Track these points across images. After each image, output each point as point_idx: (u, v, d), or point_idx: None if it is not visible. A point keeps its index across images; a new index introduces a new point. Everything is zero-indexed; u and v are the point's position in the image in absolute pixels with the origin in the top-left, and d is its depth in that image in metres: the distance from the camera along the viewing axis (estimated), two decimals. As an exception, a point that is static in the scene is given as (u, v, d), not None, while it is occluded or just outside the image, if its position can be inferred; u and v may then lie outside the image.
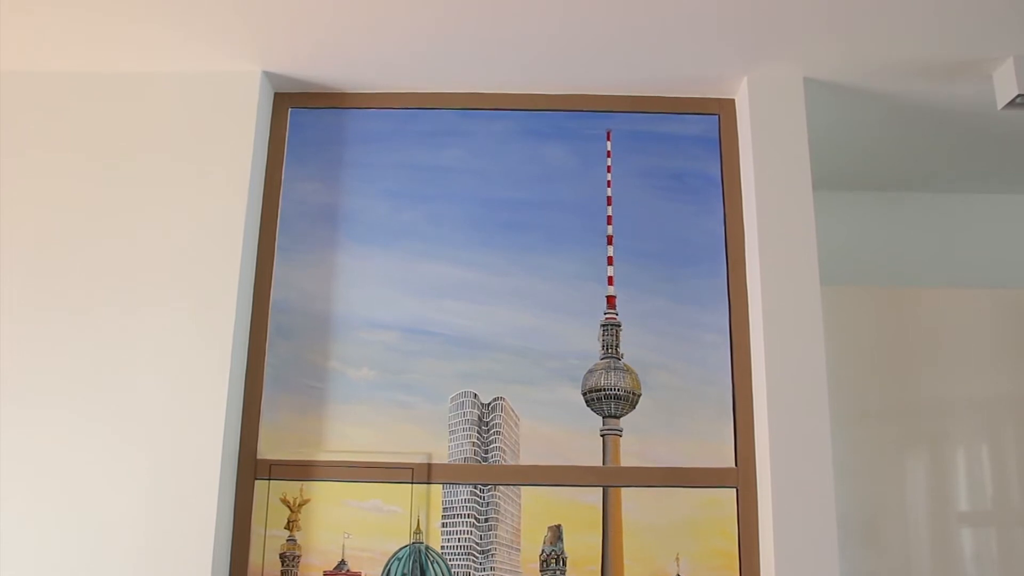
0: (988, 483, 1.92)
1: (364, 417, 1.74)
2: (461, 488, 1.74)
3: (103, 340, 1.70)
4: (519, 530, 1.72)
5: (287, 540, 1.71)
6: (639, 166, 1.87)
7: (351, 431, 1.74)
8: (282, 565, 1.70)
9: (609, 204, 1.86)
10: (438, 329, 1.78)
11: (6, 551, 1.61)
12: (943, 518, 1.90)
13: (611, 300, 1.80)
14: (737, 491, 1.73)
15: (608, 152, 1.88)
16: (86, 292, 1.72)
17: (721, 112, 1.90)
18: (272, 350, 1.78)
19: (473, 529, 1.73)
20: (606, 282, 1.81)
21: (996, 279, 1.96)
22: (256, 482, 1.72)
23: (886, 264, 1.97)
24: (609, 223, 1.85)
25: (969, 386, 1.93)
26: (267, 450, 1.74)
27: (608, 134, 1.89)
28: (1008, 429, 1.94)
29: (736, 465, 1.74)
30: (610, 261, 1.82)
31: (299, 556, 1.70)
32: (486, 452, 1.75)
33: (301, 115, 1.90)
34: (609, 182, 1.87)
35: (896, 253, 1.97)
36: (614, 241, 1.83)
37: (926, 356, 1.91)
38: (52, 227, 1.75)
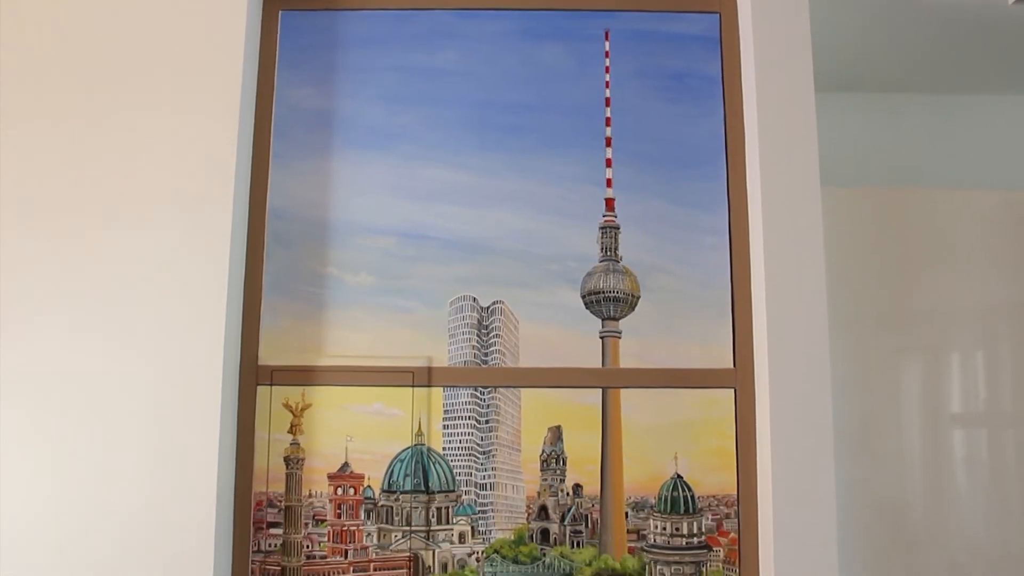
0: (981, 388, 1.93)
1: (364, 322, 1.75)
2: (461, 391, 1.75)
3: (100, 253, 1.69)
4: (519, 431, 1.74)
5: (290, 444, 1.73)
6: (638, 67, 1.83)
7: (351, 336, 1.75)
8: (287, 468, 1.72)
9: (608, 106, 1.83)
10: (436, 234, 1.77)
11: (10, 468, 1.62)
12: (936, 423, 1.91)
13: (610, 202, 1.79)
14: (735, 391, 1.74)
15: (607, 52, 1.85)
16: (82, 204, 1.70)
17: (722, 10, 1.86)
18: (270, 257, 1.77)
19: (474, 431, 1.74)
20: (605, 184, 1.80)
21: (999, 180, 1.94)
22: (258, 388, 1.74)
23: (888, 166, 1.94)
24: (608, 125, 1.82)
25: (967, 293, 1.92)
26: (268, 356, 1.75)
27: (606, 34, 1.85)
28: (1004, 335, 1.94)
29: (734, 366, 1.75)
30: (608, 163, 1.80)
31: (303, 459, 1.72)
32: (486, 355, 1.76)
33: (292, 18, 1.85)
34: (608, 83, 1.84)
35: (898, 154, 1.94)
36: (613, 143, 1.81)
37: (925, 260, 1.90)
38: (43, 145, 1.73)
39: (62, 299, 1.67)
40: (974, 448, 1.94)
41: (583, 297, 1.76)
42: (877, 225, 1.90)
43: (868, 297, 1.88)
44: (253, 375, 1.74)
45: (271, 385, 1.73)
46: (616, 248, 1.77)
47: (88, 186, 1.71)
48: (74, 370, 1.65)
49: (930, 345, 1.93)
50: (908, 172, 1.96)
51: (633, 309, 1.76)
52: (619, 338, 1.75)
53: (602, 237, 1.78)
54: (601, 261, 1.77)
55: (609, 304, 1.75)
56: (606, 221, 1.79)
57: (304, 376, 1.74)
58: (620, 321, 1.75)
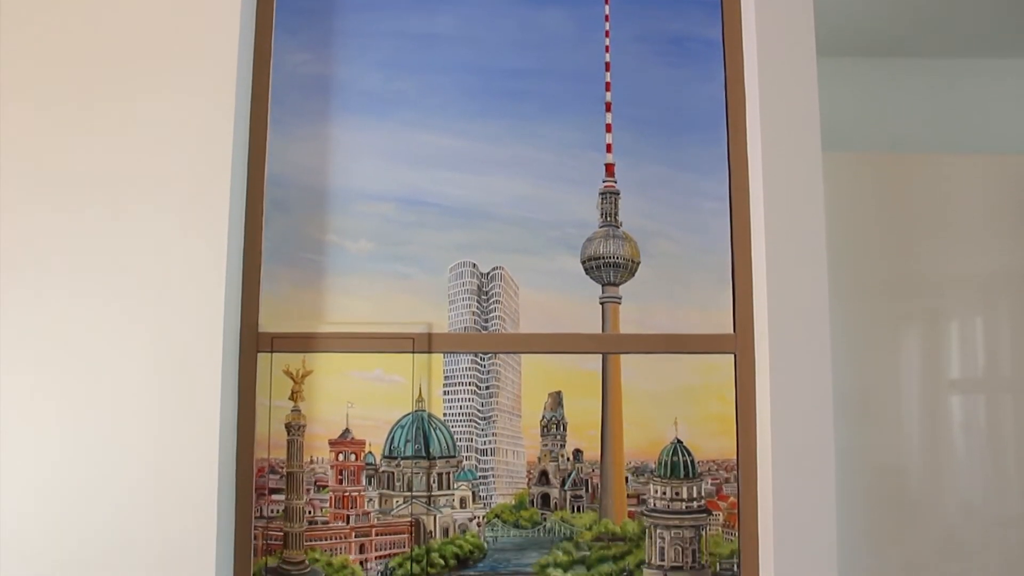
0: (980, 355, 1.93)
1: (363, 289, 1.74)
2: (462, 357, 1.75)
3: (99, 223, 1.68)
4: (519, 397, 1.74)
5: (292, 410, 1.73)
6: (638, 31, 1.82)
7: (351, 303, 1.74)
8: (288, 434, 1.72)
9: (607, 70, 1.81)
10: (435, 200, 1.76)
11: (10, 435, 1.63)
12: (935, 390, 1.92)
13: (609, 168, 1.78)
14: (735, 357, 1.74)
15: (606, 16, 1.83)
16: (79, 175, 1.69)
17: (723, -27, 1.84)
18: (269, 224, 1.76)
19: (474, 396, 1.75)
20: (604, 150, 1.79)
21: (1002, 144, 1.93)
22: (258, 355, 1.74)
23: (890, 130, 1.93)
24: (607, 90, 1.81)
25: (968, 259, 1.92)
26: (268, 324, 1.74)
27: (606, -3, 1.83)
28: (1004, 302, 1.94)
29: (734, 331, 1.75)
30: (608, 129, 1.79)
31: (304, 426, 1.73)
32: (486, 321, 1.76)
33: (288, -19, 1.83)
34: (607, 48, 1.82)
35: (900, 119, 1.93)
36: (612, 108, 1.80)
37: (926, 225, 1.90)
38: (41, 114, 1.71)
39: (61, 268, 1.67)
40: (972, 414, 1.95)
41: (583, 263, 1.76)
42: (878, 191, 1.90)
43: (868, 263, 1.88)
44: (253, 342, 1.74)
45: (271, 352, 1.73)
46: (616, 214, 1.77)
47: (85, 155, 1.70)
48: (74, 339, 1.65)
49: (930, 311, 1.93)
50: (910, 137, 1.95)
51: (633, 275, 1.76)
52: (619, 304, 1.75)
53: (602, 203, 1.78)
54: (601, 227, 1.77)
55: (609, 270, 1.75)
56: (606, 186, 1.78)
57: (304, 343, 1.74)
58: (620, 287, 1.75)
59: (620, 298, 1.76)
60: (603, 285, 1.76)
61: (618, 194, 1.78)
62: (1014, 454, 1.93)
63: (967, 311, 1.95)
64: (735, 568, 1.73)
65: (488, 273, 1.77)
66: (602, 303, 1.76)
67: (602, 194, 1.78)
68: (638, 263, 1.76)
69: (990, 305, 1.96)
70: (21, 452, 1.63)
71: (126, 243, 1.67)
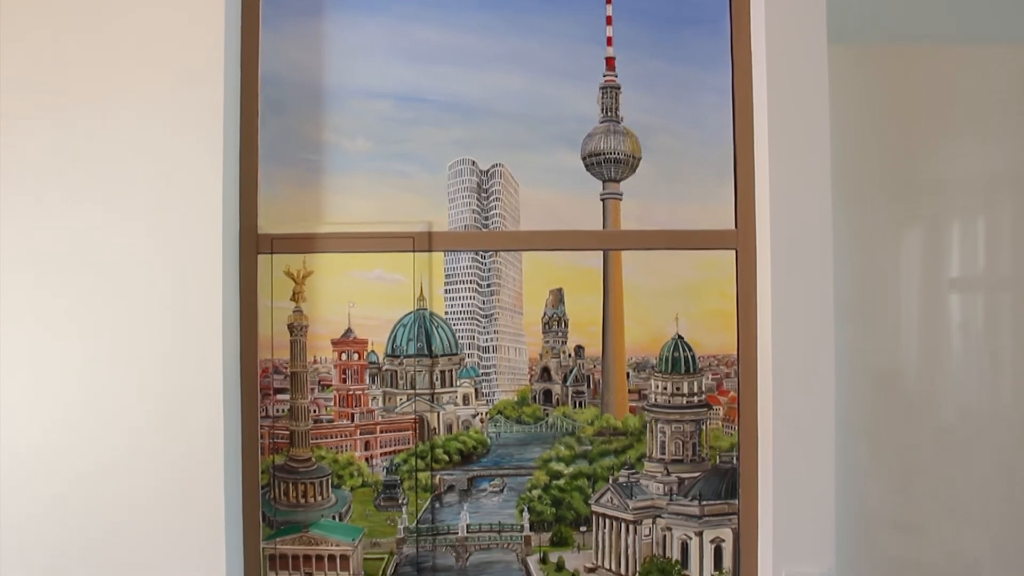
0: (981, 255, 1.93)
1: (362, 188, 1.73)
2: (462, 255, 1.75)
3: (96, 129, 1.65)
4: (521, 294, 1.74)
5: (293, 311, 1.73)
6: (639, -81, 1.76)
7: (350, 202, 1.73)
8: (291, 335, 1.73)
9: (607, -40, 1.76)
10: (433, 96, 1.73)
11: (14, 341, 1.63)
12: (934, 290, 1.92)
13: (610, 62, 1.75)
14: (736, 253, 1.74)
15: (606, -97, 1.77)
16: (75, 82, 1.65)
17: None
18: (264, 125, 1.74)
19: (475, 295, 1.75)
20: (605, 43, 1.75)
21: (1012, 33, 1.88)
22: (259, 256, 1.73)
23: (897, 21, 1.88)
24: (608, -20, 1.76)
25: (972, 158, 1.90)
26: (267, 225, 1.73)
27: None
28: (1007, 201, 1.92)
29: (736, 227, 1.74)
30: (609, 21, 1.75)
31: (306, 326, 1.73)
32: (486, 219, 1.75)
33: None
34: (607, -64, 1.77)
35: (908, 8, 1.88)
36: (613, 0, 1.75)
37: (932, 123, 1.87)
38: (37, 29, 1.66)
39: (60, 176, 1.64)
40: (970, 314, 1.96)
41: (584, 159, 1.74)
42: (885, 85, 1.86)
43: (871, 162, 1.86)
44: (253, 244, 1.73)
45: (271, 253, 1.73)
46: (617, 109, 1.74)
47: (79, 62, 1.65)
48: (74, 244, 1.64)
49: (932, 211, 1.92)
50: (919, 27, 1.90)
51: (634, 171, 1.74)
52: (620, 200, 1.74)
53: (603, 97, 1.75)
54: (602, 122, 1.75)
55: (610, 166, 1.74)
56: (607, 81, 1.75)
57: (304, 244, 1.73)
58: (621, 183, 1.74)
59: (621, 194, 1.74)
60: (604, 181, 1.74)
61: (619, 88, 1.75)
62: (1010, 353, 1.95)
63: (970, 211, 1.93)
64: (734, 461, 1.75)
65: (488, 170, 1.75)
66: (603, 199, 1.74)
67: (603, 88, 1.75)
68: (639, 159, 1.75)
69: (993, 204, 1.94)
70: (30, 362, 1.64)
71: (122, 151, 1.64)
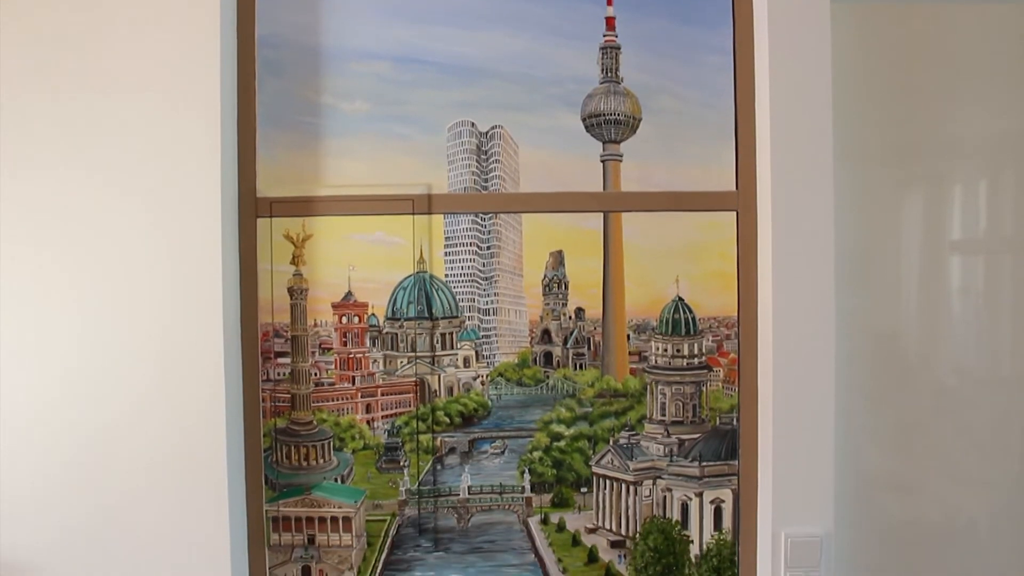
0: (983, 217, 1.92)
1: (361, 151, 1.72)
2: (462, 217, 1.74)
3: (92, 96, 1.63)
4: (521, 257, 1.74)
5: (293, 275, 1.73)
6: None
7: (349, 165, 1.72)
8: (291, 299, 1.73)
9: (608, -83, 1.74)
10: (431, 57, 1.72)
11: (15, 308, 1.63)
12: (935, 254, 1.91)
13: (610, 22, 1.73)
14: (737, 214, 1.73)
15: None
16: (70, 49, 1.63)
17: None
18: (262, 87, 1.72)
19: (475, 257, 1.74)
20: (605, 3, 1.73)
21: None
22: (258, 220, 1.72)
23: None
24: (608, -62, 1.74)
25: (975, 120, 1.89)
26: (266, 188, 1.73)
27: None
28: (1010, 162, 1.91)
29: (737, 189, 1.73)
30: (609, -20, 1.73)
31: (306, 289, 1.73)
32: (486, 181, 1.74)
33: None
34: None
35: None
36: (613, -42, 1.74)
37: (935, 83, 1.86)
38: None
39: (58, 143, 1.63)
40: (970, 276, 1.95)
41: (583, 120, 1.73)
42: (887, 45, 1.85)
43: (873, 123, 1.85)
44: (252, 208, 1.73)
45: (271, 217, 1.72)
46: (617, 69, 1.73)
47: (75, 29, 1.63)
48: (73, 212, 1.63)
49: (935, 172, 1.91)
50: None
51: (634, 132, 1.73)
52: (620, 161, 1.73)
53: (603, 58, 1.73)
54: (602, 83, 1.73)
55: (610, 127, 1.72)
56: (607, 41, 1.73)
57: (303, 207, 1.72)
58: (621, 144, 1.73)
59: (621, 156, 1.73)
60: (604, 143, 1.73)
61: (619, 49, 1.74)
62: (1010, 315, 1.95)
63: (972, 173, 1.92)
64: (734, 422, 1.76)
65: (487, 132, 1.74)
66: (603, 161, 1.73)
67: (603, 49, 1.74)
68: (639, 120, 1.74)
69: (995, 166, 1.93)
70: (33, 332, 1.64)
71: (119, 116, 1.63)
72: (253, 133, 1.72)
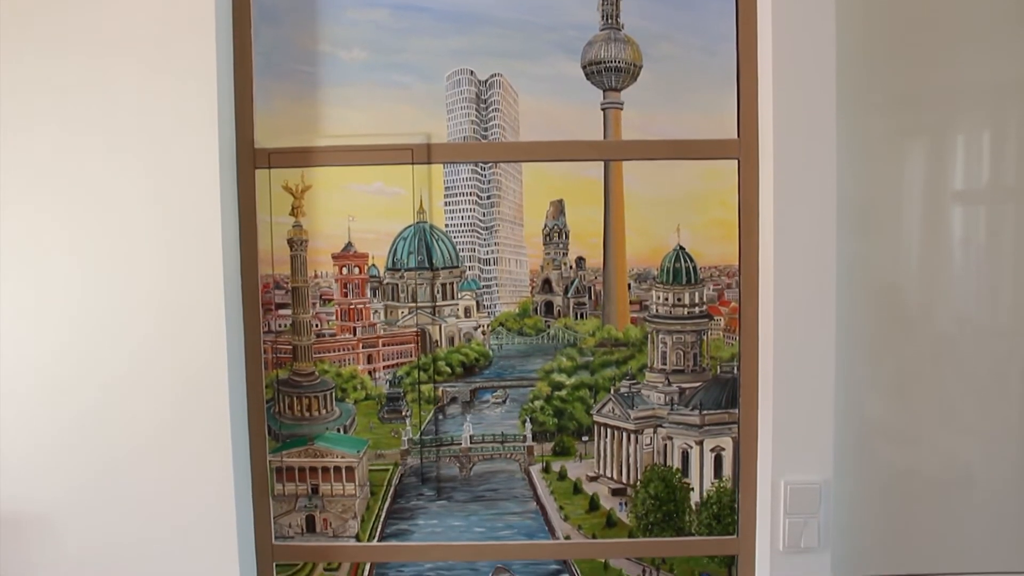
0: (985, 167, 1.91)
1: (359, 100, 1.70)
2: (462, 167, 1.73)
3: (82, 44, 1.61)
4: (521, 206, 1.73)
5: (293, 226, 1.72)
6: None
7: (347, 115, 1.71)
8: (291, 250, 1.72)
9: None
10: (429, 4, 1.69)
11: (10, 271, 1.63)
12: (937, 203, 1.90)
13: (610, -34, 1.70)
14: (739, 162, 1.72)
15: None
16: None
17: None
18: (258, 36, 1.70)
19: (476, 207, 1.74)
20: (605, -53, 1.71)
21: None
22: (256, 171, 1.71)
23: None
24: None
25: (979, 68, 1.86)
26: (264, 139, 1.71)
27: None
28: (1014, 112, 1.89)
29: (738, 137, 1.72)
30: (609, -77, 1.71)
31: (306, 241, 1.73)
32: (485, 130, 1.73)
33: None
34: None
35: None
36: (613, -100, 1.71)
37: (939, 32, 1.83)
38: None
39: (54, 97, 1.62)
40: (972, 227, 1.95)
41: (584, 67, 1.71)
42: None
43: (876, 70, 1.83)
44: (250, 159, 1.72)
45: (269, 168, 1.71)
46: (617, 15, 1.71)
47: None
48: (71, 165, 1.62)
49: (938, 123, 1.89)
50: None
51: (635, 79, 1.71)
52: (621, 109, 1.72)
53: (603, 4, 1.71)
54: (602, 29, 1.71)
55: (610, 74, 1.71)
56: (607, -14, 1.71)
57: (302, 158, 1.71)
58: (622, 92, 1.71)
59: (622, 103, 1.72)
60: (604, 90, 1.71)
61: (619, -6, 1.71)
62: (1011, 266, 1.94)
63: (975, 122, 1.91)
64: (735, 371, 1.77)
65: (486, 80, 1.72)
66: (603, 109, 1.72)
67: (603, -6, 1.72)
68: (640, 67, 1.72)
69: (999, 115, 1.91)
70: (33, 286, 1.64)
71: (113, 68, 1.61)
72: (250, 83, 1.71)
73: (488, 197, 1.73)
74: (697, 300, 1.75)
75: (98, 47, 1.61)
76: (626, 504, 1.77)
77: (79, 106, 1.61)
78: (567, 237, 1.73)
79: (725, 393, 1.76)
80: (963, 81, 1.87)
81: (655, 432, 1.77)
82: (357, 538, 1.77)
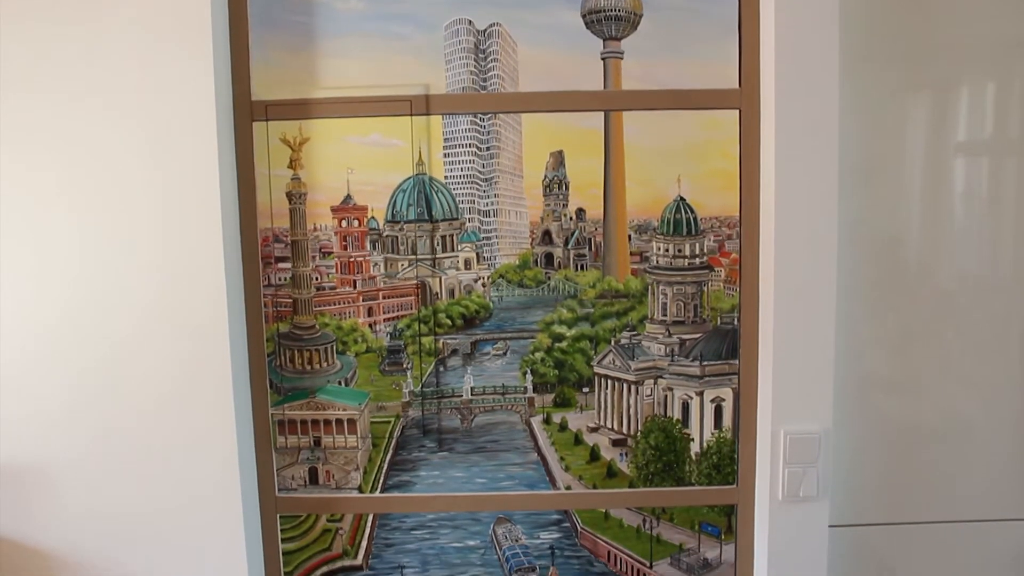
0: (988, 122, 1.90)
1: (357, 51, 1.69)
2: (461, 118, 1.72)
3: (75, 5, 1.59)
4: (521, 157, 1.72)
5: (291, 179, 1.72)
6: None
7: (345, 66, 1.69)
8: (289, 203, 1.72)
9: None
10: (427, -49, 1.67)
11: (9, 235, 1.63)
12: (939, 157, 1.89)
13: (610, -89, 1.68)
14: (740, 112, 1.71)
15: None
16: None
17: None
18: (253, -14, 1.68)
19: (475, 158, 1.73)
20: None
21: None
22: (254, 124, 1.70)
23: None
24: None
25: (984, 21, 1.84)
26: (261, 91, 1.70)
27: None
28: (1017, 66, 1.88)
29: (740, 86, 1.70)
30: None
31: (305, 193, 1.72)
32: (484, 80, 1.71)
33: None
34: None
35: None
36: None
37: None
38: None
39: (47, 53, 1.60)
40: (973, 182, 1.94)
41: (583, 16, 1.69)
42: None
43: (879, 22, 1.81)
44: (247, 111, 1.70)
45: (267, 120, 1.70)
46: (617, -38, 1.69)
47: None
48: (65, 122, 1.61)
49: (941, 74, 1.87)
50: None
51: (635, 28, 1.70)
52: (621, 59, 1.70)
53: (603, -50, 1.69)
54: (602, -23, 1.69)
55: (610, 23, 1.69)
56: (607, -68, 1.69)
57: (299, 110, 1.70)
58: (622, 41, 1.70)
59: (622, 53, 1.70)
60: (604, 40, 1.70)
61: (619, -60, 1.69)
62: (1012, 221, 1.94)
63: (979, 74, 1.89)
64: (735, 322, 1.77)
65: (485, 30, 1.70)
66: (603, 58, 1.70)
67: (602, -60, 1.69)
68: (640, 15, 1.70)
69: (1004, 68, 1.90)
70: (33, 248, 1.64)
71: (107, 21, 1.59)
72: (246, 34, 1.69)
73: (487, 148, 1.72)
74: (698, 251, 1.75)
75: (93, 2, 1.59)
76: (626, 455, 1.78)
77: (75, 66, 1.60)
78: (567, 188, 1.72)
79: (725, 344, 1.76)
80: (968, 35, 1.85)
81: (655, 383, 1.77)
82: (360, 490, 1.79)
